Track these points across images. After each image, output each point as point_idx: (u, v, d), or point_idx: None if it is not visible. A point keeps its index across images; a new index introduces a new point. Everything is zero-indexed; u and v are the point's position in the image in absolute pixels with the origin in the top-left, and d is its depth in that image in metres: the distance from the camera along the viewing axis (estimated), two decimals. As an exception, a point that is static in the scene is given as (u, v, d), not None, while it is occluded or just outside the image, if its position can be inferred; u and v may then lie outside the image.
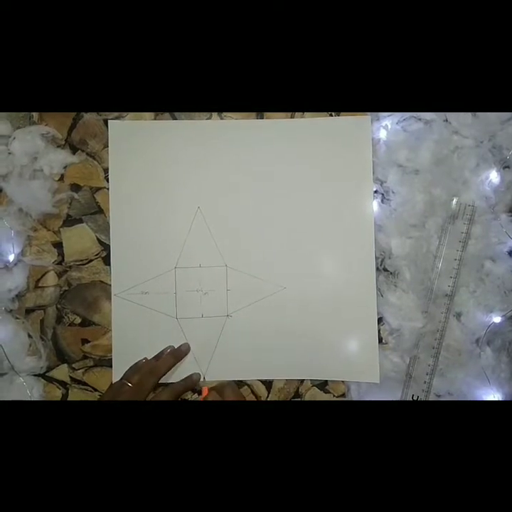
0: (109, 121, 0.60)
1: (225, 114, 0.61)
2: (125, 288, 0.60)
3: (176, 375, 0.59)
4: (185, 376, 0.59)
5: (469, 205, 0.59)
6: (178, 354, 0.59)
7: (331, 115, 0.61)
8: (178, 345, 0.59)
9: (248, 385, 0.61)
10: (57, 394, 0.60)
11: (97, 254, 0.60)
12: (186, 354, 0.59)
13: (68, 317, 0.60)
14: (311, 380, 0.61)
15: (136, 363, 0.57)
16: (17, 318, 0.59)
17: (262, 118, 0.61)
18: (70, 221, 0.60)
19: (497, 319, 0.58)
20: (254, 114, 0.61)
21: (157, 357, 0.58)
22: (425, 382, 0.59)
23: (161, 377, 0.56)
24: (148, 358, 0.58)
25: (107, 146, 0.60)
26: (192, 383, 0.58)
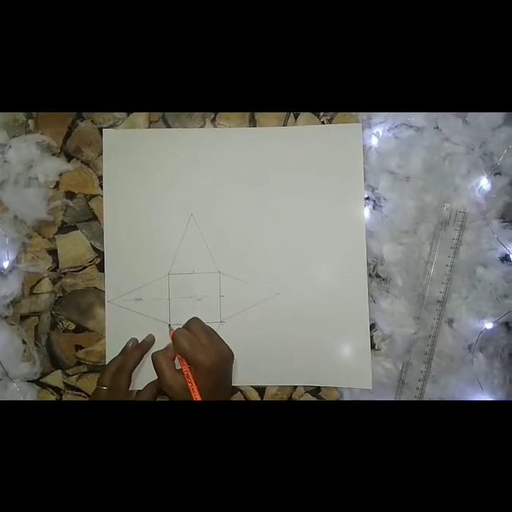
0: (103, 129, 0.61)
1: (218, 122, 0.62)
2: (119, 294, 0.60)
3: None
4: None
5: (460, 212, 0.59)
6: (143, 346, 0.59)
7: (322, 122, 0.62)
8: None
9: (241, 391, 0.61)
10: (50, 400, 0.60)
11: (91, 261, 0.61)
12: (152, 344, 0.59)
13: (62, 323, 0.61)
14: (304, 386, 0.61)
15: (105, 365, 0.58)
16: (11, 324, 0.59)
17: (255, 126, 0.62)
18: (64, 228, 0.61)
19: (489, 325, 0.58)
20: (247, 121, 0.62)
21: (122, 352, 0.58)
22: (418, 388, 0.59)
23: (132, 371, 0.56)
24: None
25: (102, 154, 0.61)
26: (148, 346, 0.59)
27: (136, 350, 0.58)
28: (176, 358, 0.53)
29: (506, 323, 0.59)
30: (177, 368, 0.53)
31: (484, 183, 0.59)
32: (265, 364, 0.60)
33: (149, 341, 0.59)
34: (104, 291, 0.60)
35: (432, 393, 0.59)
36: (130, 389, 0.56)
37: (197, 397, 0.49)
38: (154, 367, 0.52)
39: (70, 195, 0.61)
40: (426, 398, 0.59)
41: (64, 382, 0.60)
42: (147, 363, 0.58)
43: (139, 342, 0.59)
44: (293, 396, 0.61)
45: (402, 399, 0.59)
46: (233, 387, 0.60)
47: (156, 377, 0.56)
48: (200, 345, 0.51)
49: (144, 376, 0.58)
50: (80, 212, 0.61)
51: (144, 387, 0.57)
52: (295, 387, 0.61)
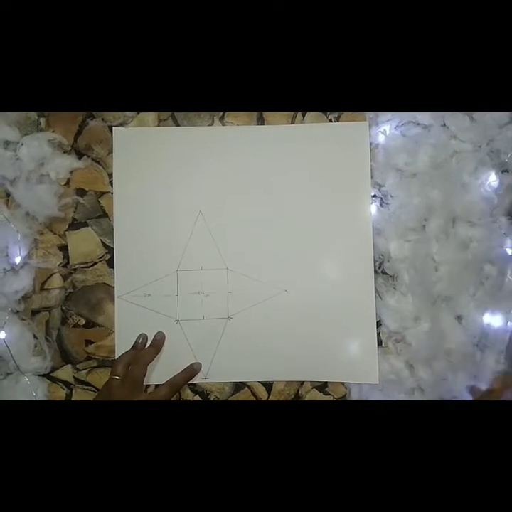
0: (113, 128, 0.62)
1: (226, 120, 0.63)
2: (128, 290, 0.61)
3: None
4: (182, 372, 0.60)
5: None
6: (158, 345, 0.60)
7: (330, 120, 0.62)
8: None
9: (248, 387, 0.61)
10: (61, 394, 0.61)
11: (101, 257, 0.62)
12: (163, 342, 0.60)
13: (73, 318, 0.62)
14: (311, 381, 0.61)
15: (118, 357, 0.58)
16: (23, 319, 0.60)
17: (263, 124, 0.63)
18: (75, 225, 0.62)
19: (496, 322, 0.58)
20: (255, 119, 0.63)
21: (134, 347, 0.59)
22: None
23: (148, 364, 0.57)
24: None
25: (112, 152, 0.62)
26: (194, 372, 0.59)
27: (151, 347, 0.59)
28: None
29: (513, 320, 0.59)
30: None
31: (492, 180, 0.59)
32: (272, 360, 0.61)
33: (160, 339, 0.60)
34: (113, 287, 0.61)
35: (441, 389, 0.59)
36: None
37: None
38: None
39: (81, 192, 0.62)
40: (433, 394, 0.59)
41: (74, 377, 0.61)
42: (163, 358, 0.60)
43: (153, 341, 0.60)
44: (300, 391, 0.61)
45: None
46: (241, 382, 0.61)
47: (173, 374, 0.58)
48: None
49: (160, 370, 0.59)
50: (91, 209, 0.62)
51: (160, 386, 0.57)
52: (302, 382, 0.61)
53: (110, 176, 0.62)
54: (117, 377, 0.54)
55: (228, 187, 0.62)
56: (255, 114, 0.63)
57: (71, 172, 0.62)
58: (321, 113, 0.62)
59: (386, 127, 0.60)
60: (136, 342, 0.59)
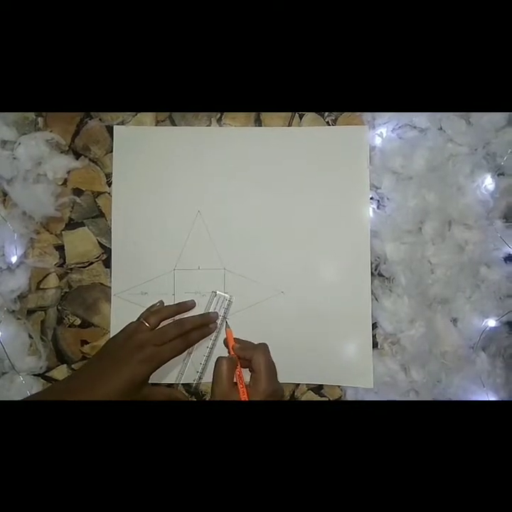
0: (114, 126, 0.62)
1: (223, 121, 0.63)
2: (125, 288, 0.61)
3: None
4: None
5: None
6: (206, 318, 0.58)
7: (327, 123, 0.62)
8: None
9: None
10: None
11: (97, 257, 0.62)
12: (215, 320, 0.59)
13: (68, 318, 0.61)
14: (306, 383, 0.61)
15: (153, 305, 0.58)
16: (18, 318, 0.60)
17: (260, 125, 0.63)
18: (71, 224, 0.62)
19: (492, 324, 0.59)
20: (252, 121, 0.63)
21: (177, 306, 0.58)
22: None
23: (184, 332, 0.54)
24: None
25: (109, 152, 0.62)
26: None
27: (198, 317, 0.58)
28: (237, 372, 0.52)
29: (509, 323, 0.59)
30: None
31: (488, 183, 0.59)
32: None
33: (214, 316, 0.59)
34: (109, 287, 0.61)
35: (436, 391, 0.59)
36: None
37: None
38: (215, 370, 0.50)
39: (78, 192, 0.62)
40: (428, 396, 0.59)
41: (69, 377, 0.61)
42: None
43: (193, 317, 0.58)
44: (296, 393, 0.61)
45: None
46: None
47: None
48: (276, 374, 0.51)
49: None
50: (87, 208, 0.62)
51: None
52: (298, 384, 0.61)
53: (107, 176, 0.62)
54: (147, 325, 0.51)
55: (227, 188, 0.62)
56: (252, 115, 0.63)
57: (68, 172, 0.62)
58: (318, 116, 0.63)
59: (383, 130, 0.61)
60: (175, 305, 0.58)
